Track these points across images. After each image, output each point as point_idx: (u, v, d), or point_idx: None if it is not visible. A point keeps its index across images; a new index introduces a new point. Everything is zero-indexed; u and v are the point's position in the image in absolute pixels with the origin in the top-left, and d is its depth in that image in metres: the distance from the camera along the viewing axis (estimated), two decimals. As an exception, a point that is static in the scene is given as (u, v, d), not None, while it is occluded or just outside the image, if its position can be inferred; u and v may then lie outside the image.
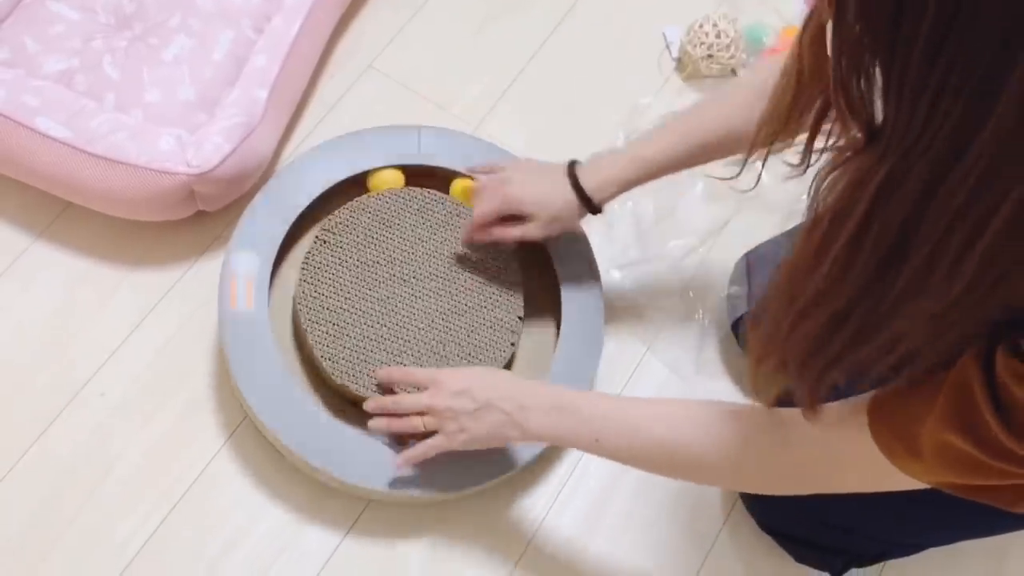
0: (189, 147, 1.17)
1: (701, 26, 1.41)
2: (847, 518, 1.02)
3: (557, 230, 1.12)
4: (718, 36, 1.40)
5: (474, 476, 1.08)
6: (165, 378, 1.17)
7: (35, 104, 1.16)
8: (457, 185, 1.24)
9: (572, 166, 1.10)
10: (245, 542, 1.10)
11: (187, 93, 1.22)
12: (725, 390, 1.24)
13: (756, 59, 1.45)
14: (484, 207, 1.13)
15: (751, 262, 1.21)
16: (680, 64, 1.45)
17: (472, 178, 1.21)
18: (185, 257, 1.24)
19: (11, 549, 1.07)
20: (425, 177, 1.25)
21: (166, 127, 1.19)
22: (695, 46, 1.41)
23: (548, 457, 1.17)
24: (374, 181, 1.24)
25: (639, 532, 1.15)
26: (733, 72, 1.45)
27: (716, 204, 1.34)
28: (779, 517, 1.10)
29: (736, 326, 1.21)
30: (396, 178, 1.24)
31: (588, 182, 1.08)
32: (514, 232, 1.11)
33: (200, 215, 1.24)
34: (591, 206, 1.09)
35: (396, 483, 1.05)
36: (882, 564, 1.15)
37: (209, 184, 1.16)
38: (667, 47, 1.47)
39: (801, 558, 1.12)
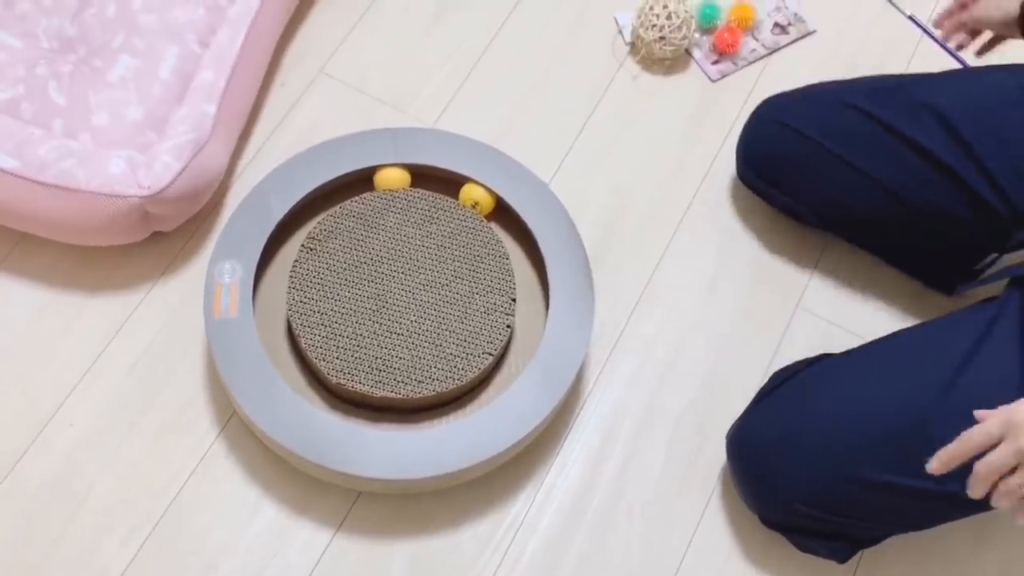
0: (140, 168, 1.15)
1: (651, 8, 1.40)
2: (865, 510, 1.02)
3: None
4: (669, 18, 1.39)
5: (467, 457, 1.08)
6: (135, 401, 1.16)
7: (-20, 136, 1.15)
8: (467, 191, 1.24)
9: None
10: (236, 547, 1.10)
11: (135, 113, 1.20)
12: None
13: (709, 38, 1.44)
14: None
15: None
16: (634, 48, 1.44)
17: (480, 185, 1.24)
18: (145, 279, 1.23)
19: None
20: (427, 179, 1.26)
21: (116, 149, 1.18)
22: (647, 29, 1.40)
23: (529, 452, 1.16)
24: (379, 180, 1.24)
25: (623, 524, 1.15)
26: (687, 52, 1.44)
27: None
28: (783, 512, 1.07)
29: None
30: (402, 177, 1.24)
31: None
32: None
33: (157, 235, 1.23)
34: None
35: (388, 468, 1.06)
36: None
37: (162, 204, 1.15)
38: (620, 32, 1.46)
39: (805, 548, 1.11)
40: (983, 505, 1.03)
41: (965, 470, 0.94)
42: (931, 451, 0.86)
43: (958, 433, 0.84)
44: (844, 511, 1.02)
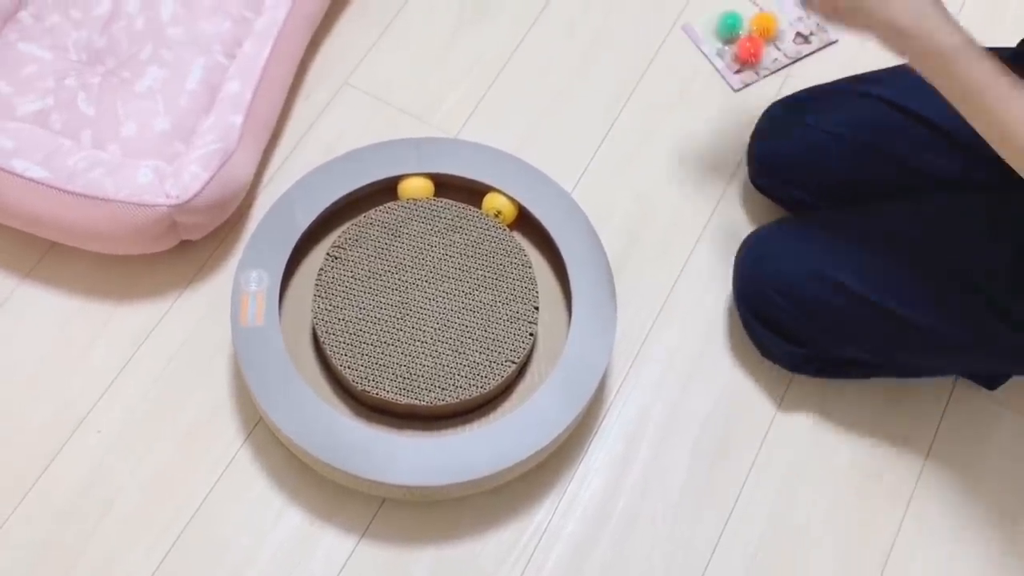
0: (168, 178, 1.17)
1: None
2: (824, 311, 1.11)
3: None
4: None
5: (490, 464, 1.08)
6: (162, 408, 1.18)
7: (11, 146, 1.16)
8: (490, 200, 1.25)
9: None
10: (261, 554, 1.11)
11: (163, 124, 1.22)
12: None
13: (731, 48, 1.44)
14: None
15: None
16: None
17: (503, 194, 1.25)
18: (173, 287, 1.24)
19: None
20: (450, 188, 1.27)
21: (144, 159, 1.19)
22: None
23: (552, 459, 1.17)
24: (403, 189, 1.25)
25: (647, 531, 1.15)
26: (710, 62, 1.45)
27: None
28: (759, 298, 1.16)
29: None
30: (426, 186, 1.25)
31: None
32: None
33: (185, 244, 1.24)
34: None
35: (412, 474, 1.07)
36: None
37: (190, 213, 1.16)
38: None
39: (765, 351, 1.20)
40: (927, 356, 1.15)
41: (909, 297, 1.07)
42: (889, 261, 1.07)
43: None
44: (807, 306, 1.12)
